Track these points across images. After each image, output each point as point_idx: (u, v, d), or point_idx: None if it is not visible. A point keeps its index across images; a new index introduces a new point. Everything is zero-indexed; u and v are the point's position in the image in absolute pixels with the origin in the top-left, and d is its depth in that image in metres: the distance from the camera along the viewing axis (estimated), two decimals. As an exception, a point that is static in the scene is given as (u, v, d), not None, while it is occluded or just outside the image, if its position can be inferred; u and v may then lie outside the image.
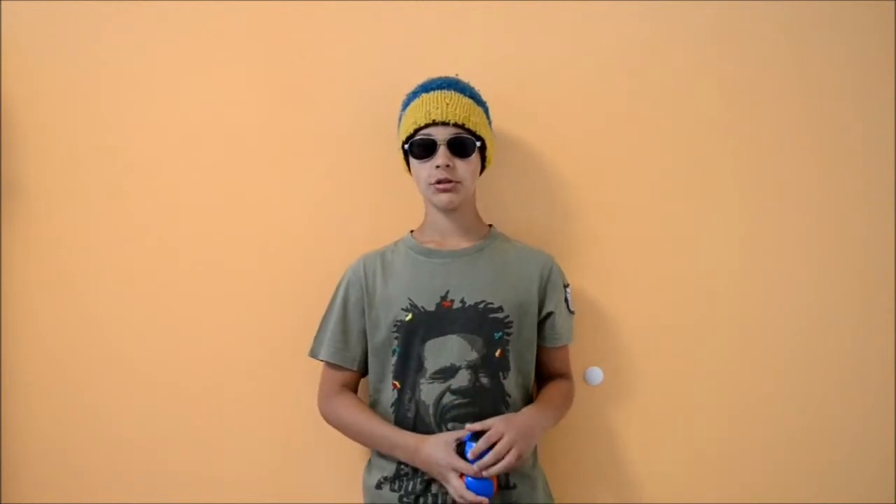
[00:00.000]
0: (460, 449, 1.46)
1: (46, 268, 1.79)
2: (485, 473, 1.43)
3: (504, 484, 1.52)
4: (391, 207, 1.73)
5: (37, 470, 1.80)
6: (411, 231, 1.66)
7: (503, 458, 1.43)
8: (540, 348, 1.62)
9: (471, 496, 1.42)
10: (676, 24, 1.74)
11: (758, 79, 1.74)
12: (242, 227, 1.78)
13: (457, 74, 1.62)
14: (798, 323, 1.76)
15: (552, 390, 1.62)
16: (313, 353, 1.63)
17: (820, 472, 1.76)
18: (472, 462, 1.44)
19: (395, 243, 1.65)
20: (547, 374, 1.65)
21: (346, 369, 1.62)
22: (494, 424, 1.47)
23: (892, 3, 1.73)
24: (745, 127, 1.75)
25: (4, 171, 1.79)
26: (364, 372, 1.63)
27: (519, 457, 1.45)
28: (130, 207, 1.79)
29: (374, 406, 1.60)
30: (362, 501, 1.61)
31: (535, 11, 1.74)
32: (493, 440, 1.44)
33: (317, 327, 1.65)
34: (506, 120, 1.71)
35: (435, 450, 1.47)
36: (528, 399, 1.61)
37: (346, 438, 1.62)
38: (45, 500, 1.80)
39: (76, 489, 1.80)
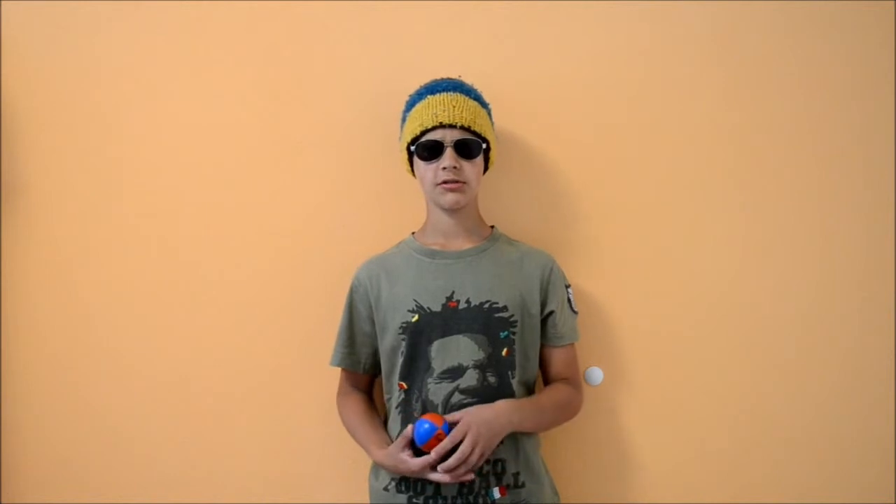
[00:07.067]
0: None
1: (46, 268, 1.79)
2: (450, 478, 1.43)
3: (514, 483, 1.53)
4: (393, 208, 1.73)
5: (37, 470, 1.80)
6: (413, 233, 1.66)
7: (467, 459, 1.43)
8: (543, 347, 1.62)
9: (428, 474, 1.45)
10: (677, 24, 1.74)
11: (758, 79, 1.74)
12: (242, 228, 1.78)
13: (460, 76, 1.62)
14: (799, 323, 1.76)
15: (546, 393, 1.61)
16: (331, 361, 1.66)
17: (820, 472, 1.76)
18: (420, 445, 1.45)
19: (398, 245, 1.65)
20: (551, 376, 1.64)
21: (354, 372, 1.65)
22: (462, 420, 1.46)
23: (892, 3, 1.74)
24: (746, 127, 1.75)
25: (4, 171, 1.79)
26: (374, 373, 1.65)
27: (481, 456, 1.45)
28: (130, 207, 1.79)
29: (388, 407, 1.61)
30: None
31: (536, 12, 1.74)
32: (458, 439, 1.44)
33: (319, 327, 1.68)
34: (508, 121, 1.71)
35: (385, 458, 1.51)
36: (532, 398, 1.62)
37: (351, 441, 1.63)
38: (45, 500, 1.79)
39: (76, 489, 1.80)
